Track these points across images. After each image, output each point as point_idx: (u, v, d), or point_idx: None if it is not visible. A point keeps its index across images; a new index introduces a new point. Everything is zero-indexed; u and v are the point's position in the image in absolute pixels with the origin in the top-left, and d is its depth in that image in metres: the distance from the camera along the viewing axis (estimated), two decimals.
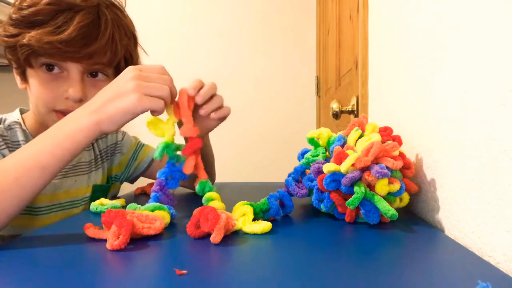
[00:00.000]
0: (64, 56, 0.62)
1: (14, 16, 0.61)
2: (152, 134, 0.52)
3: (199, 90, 0.54)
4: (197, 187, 0.53)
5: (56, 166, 0.47)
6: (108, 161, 0.85)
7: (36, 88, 0.65)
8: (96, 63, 0.65)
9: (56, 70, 0.64)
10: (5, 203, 0.44)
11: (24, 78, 0.67)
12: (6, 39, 0.62)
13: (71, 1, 0.61)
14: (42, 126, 0.70)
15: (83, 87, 0.65)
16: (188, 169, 0.51)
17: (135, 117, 0.48)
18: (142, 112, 0.48)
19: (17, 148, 0.66)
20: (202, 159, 0.54)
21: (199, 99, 0.54)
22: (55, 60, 0.63)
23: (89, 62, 0.64)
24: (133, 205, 0.50)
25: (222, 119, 0.59)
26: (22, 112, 0.73)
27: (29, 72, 0.65)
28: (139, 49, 0.75)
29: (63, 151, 0.47)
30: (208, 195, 0.52)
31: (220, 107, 0.57)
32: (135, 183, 0.92)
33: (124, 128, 0.94)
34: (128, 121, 0.48)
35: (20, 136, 0.68)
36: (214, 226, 0.40)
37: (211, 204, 0.51)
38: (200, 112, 0.55)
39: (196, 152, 0.52)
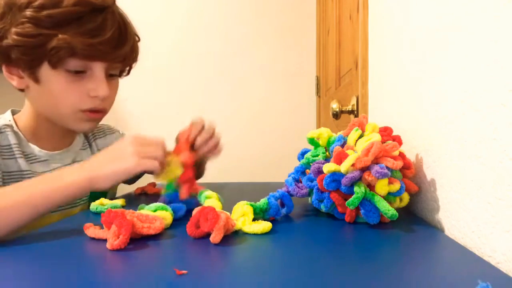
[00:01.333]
0: (100, 57, 0.63)
1: (29, 13, 0.58)
2: (162, 182, 0.59)
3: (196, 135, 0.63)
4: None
5: (47, 208, 0.51)
6: None
7: (58, 89, 0.63)
8: (119, 62, 0.67)
9: (80, 69, 0.64)
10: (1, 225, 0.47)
11: (34, 78, 0.63)
12: (25, 39, 0.59)
13: (93, 1, 0.61)
14: (38, 127, 0.70)
15: (108, 85, 0.67)
16: (183, 195, 0.57)
17: (130, 177, 0.55)
18: (141, 171, 0.55)
19: (8, 152, 0.66)
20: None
21: (197, 146, 0.63)
22: (86, 60, 0.62)
23: (116, 61, 0.66)
24: (142, 206, 0.52)
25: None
26: (14, 113, 0.72)
27: (48, 72, 0.62)
28: None
29: (55, 196, 0.51)
30: (206, 193, 0.55)
31: (215, 146, 0.66)
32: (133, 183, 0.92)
33: (119, 127, 0.94)
34: (122, 180, 0.55)
35: (12, 140, 0.67)
36: (214, 226, 0.40)
37: (208, 201, 0.53)
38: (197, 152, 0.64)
39: (189, 181, 0.59)
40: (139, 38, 0.73)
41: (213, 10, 1.95)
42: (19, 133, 0.69)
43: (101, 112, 0.69)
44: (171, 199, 0.60)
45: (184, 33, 1.95)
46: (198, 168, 0.63)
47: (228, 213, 0.44)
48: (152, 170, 0.55)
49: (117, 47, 0.64)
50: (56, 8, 0.59)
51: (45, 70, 0.63)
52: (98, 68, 0.65)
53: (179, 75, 1.95)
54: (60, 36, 0.59)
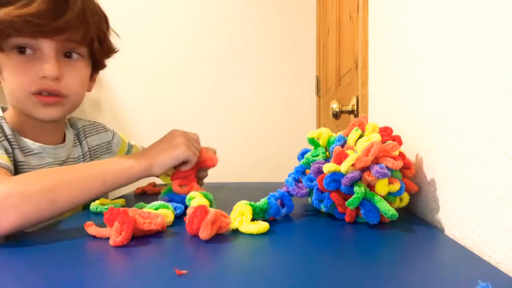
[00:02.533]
0: (35, 31, 0.60)
1: None
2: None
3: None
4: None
5: (114, 184, 0.57)
6: (99, 158, 0.85)
7: (10, 74, 0.63)
8: (68, 39, 0.64)
9: (28, 51, 0.63)
10: (73, 194, 0.52)
11: None
12: None
13: None
14: (22, 121, 0.69)
15: (58, 65, 0.64)
16: (174, 187, 0.63)
17: (178, 163, 0.64)
18: (185, 159, 0.63)
19: (11, 141, 0.65)
20: None
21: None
22: (26, 36, 0.61)
23: (62, 37, 0.63)
24: (140, 204, 0.54)
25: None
26: (3, 110, 0.71)
27: (1, 57, 0.63)
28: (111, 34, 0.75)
29: (123, 175, 0.58)
30: (189, 195, 0.55)
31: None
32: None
33: (115, 127, 0.94)
34: (173, 166, 0.63)
35: (8, 131, 0.66)
36: (201, 222, 0.41)
37: (193, 202, 0.53)
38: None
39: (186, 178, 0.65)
40: (106, 18, 0.71)
41: (213, 10, 1.95)
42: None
43: (57, 96, 0.67)
44: (171, 198, 0.61)
45: (184, 34, 1.95)
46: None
47: (221, 211, 0.45)
48: (192, 160, 0.64)
49: (55, 19, 0.60)
50: None
51: (1, 57, 0.63)
52: (46, 47, 0.63)
53: (178, 76, 1.95)
54: None
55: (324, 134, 0.57)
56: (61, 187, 0.51)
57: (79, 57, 0.69)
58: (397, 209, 0.47)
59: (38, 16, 0.59)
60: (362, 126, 0.53)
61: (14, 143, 0.66)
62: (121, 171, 0.57)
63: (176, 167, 0.65)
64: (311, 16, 1.94)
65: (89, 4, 0.66)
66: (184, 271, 0.31)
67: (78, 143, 0.81)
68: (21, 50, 0.63)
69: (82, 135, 0.83)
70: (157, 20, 1.94)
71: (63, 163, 0.75)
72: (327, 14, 1.60)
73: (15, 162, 0.65)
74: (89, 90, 0.77)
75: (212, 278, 0.30)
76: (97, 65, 0.76)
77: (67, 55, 0.67)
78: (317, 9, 1.89)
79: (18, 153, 0.66)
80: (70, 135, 0.79)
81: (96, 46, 0.70)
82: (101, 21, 0.70)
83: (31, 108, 0.66)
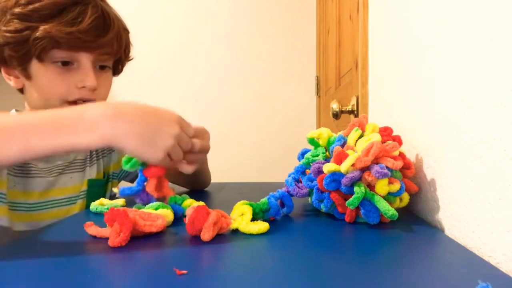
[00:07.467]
0: (82, 46, 0.64)
1: (17, 10, 0.61)
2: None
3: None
4: (168, 201, 0.55)
5: (41, 145, 0.43)
6: (105, 158, 0.86)
7: (47, 82, 0.65)
8: (106, 53, 0.68)
9: (66, 61, 0.65)
10: None
11: (26, 75, 0.66)
12: (14, 35, 0.61)
13: None
14: None
15: (96, 76, 0.68)
16: (150, 188, 0.51)
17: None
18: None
19: None
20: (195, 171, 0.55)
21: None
22: (70, 50, 0.64)
23: (101, 51, 0.67)
24: (138, 205, 0.53)
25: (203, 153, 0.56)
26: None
27: (37, 67, 0.64)
28: None
29: (58, 145, 0.43)
30: (184, 205, 0.53)
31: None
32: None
33: None
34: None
35: None
36: (203, 224, 0.41)
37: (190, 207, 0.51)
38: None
39: (157, 176, 0.51)
40: (128, 31, 0.75)
41: (213, 10, 1.95)
42: None
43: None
44: (134, 192, 0.51)
45: (183, 34, 1.95)
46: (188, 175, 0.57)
47: (221, 212, 0.45)
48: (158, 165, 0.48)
49: (100, 36, 0.65)
50: (40, 2, 0.61)
51: (35, 65, 0.64)
52: (85, 59, 0.66)
53: (178, 76, 1.95)
54: (41, 27, 0.61)
55: (324, 134, 0.57)
56: None
57: (108, 68, 0.73)
58: (397, 209, 0.47)
59: (86, 33, 0.63)
60: (362, 126, 0.53)
61: None
62: (57, 140, 0.43)
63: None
64: (311, 16, 1.94)
65: (121, 21, 0.71)
66: (184, 271, 0.31)
67: None
68: (63, 61, 0.65)
69: None
70: (156, 19, 1.94)
71: (69, 164, 0.76)
72: (327, 14, 1.60)
73: (22, 164, 0.67)
74: None
75: (212, 278, 0.30)
76: (115, 72, 0.78)
77: (100, 66, 0.71)
78: (317, 9, 1.89)
79: None
80: None
81: (122, 58, 0.75)
82: (128, 35, 0.75)
83: None
